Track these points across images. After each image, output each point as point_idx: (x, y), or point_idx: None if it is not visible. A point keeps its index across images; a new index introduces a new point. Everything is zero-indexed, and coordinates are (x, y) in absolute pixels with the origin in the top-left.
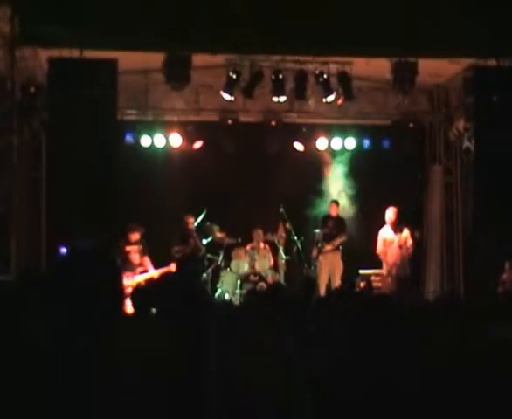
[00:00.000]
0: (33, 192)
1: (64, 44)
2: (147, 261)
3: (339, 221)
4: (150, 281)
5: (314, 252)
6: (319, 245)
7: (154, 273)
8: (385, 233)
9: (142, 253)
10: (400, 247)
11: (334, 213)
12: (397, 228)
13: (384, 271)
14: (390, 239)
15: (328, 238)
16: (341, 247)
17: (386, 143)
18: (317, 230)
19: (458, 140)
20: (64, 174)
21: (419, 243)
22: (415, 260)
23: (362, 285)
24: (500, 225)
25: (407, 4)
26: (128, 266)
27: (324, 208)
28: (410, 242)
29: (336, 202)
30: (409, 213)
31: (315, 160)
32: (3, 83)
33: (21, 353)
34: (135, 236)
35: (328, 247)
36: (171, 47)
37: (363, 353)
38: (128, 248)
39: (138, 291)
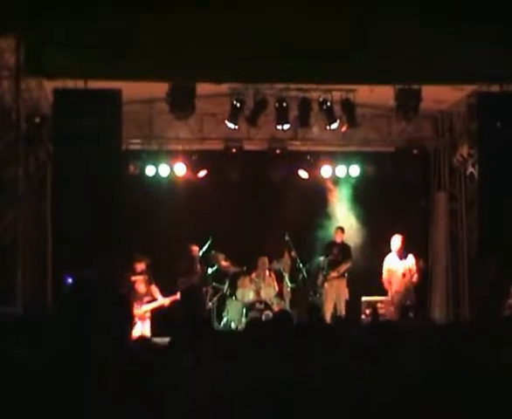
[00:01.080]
0: (39, 222)
1: (68, 75)
2: (154, 289)
3: (344, 247)
4: (161, 308)
5: (320, 279)
6: (324, 272)
7: (164, 301)
8: (390, 261)
9: (148, 282)
10: (404, 275)
11: (339, 239)
12: (402, 256)
13: (388, 298)
14: (396, 267)
15: (333, 265)
16: (346, 274)
17: (390, 170)
18: (322, 257)
19: (462, 166)
20: (69, 204)
21: (425, 272)
22: (420, 287)
23: (368, 312)
24: (504, 251)
25: (410, 32)
26: (135, 296)
27: (329, 235)
28: (415, 269)
29: (342, 229)
30: (414, 240)
31: (320, 187)
32: (9, 114)
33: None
34: (141, 266)
35: (334, 274)
36: (175, 77)
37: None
38: (133, 278)
39: None
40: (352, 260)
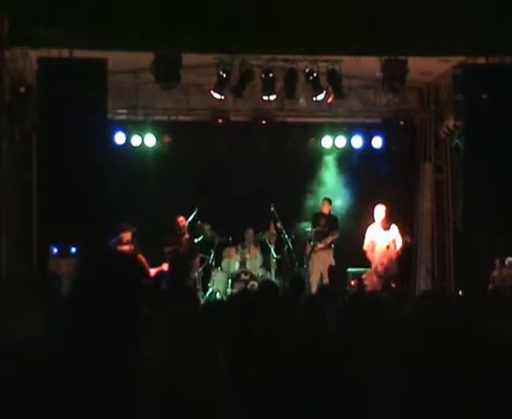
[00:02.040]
0: (24, 193)
1: (53, 45)
2: (141, 259)
3: (331, 218)
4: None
5: (308, 250)
6: (311, 243)
7: (150, 271)
8: (373, 231)
9: (135, 253)
10: (388, 247)
11: (326, 210)
12: (386, 226)
13: (371, 269)
14: (378, 238)
15: (320, 236)
16: (333, 245)
17: (376, 141)
18: (309, 229)
19: (448, 137)
20: (54, 175)
21: (409, 245)
22: (404, 259)
23: (353, 283)
24: (490, 223)
25: (396, 2)
26: None
27: (315, 206)
28: (399, 240)
29: (329, 200)
30: (399, 211)
31: (306, 159)
32: None
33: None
34: (127, 236)
35: (321, 245)
36: (161, 47)
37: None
38: (120, 248)
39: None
40: (339, 231)
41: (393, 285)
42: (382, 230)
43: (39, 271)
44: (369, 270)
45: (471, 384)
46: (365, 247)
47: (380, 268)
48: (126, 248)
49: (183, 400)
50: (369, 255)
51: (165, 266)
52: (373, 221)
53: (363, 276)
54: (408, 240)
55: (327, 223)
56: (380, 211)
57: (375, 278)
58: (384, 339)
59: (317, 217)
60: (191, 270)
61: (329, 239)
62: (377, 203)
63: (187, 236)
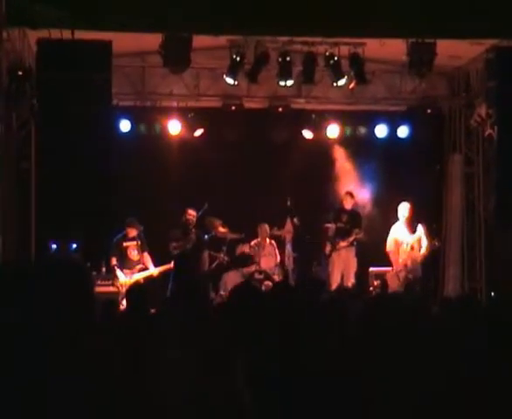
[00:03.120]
0: (22, 184)
1: (54, 25)
2: (146, 258)
3: (354, 214)
4: (150, 279)
5: (327, 248)
6: (332, 241)
7: (153, 271)
8: (397, 231)
9: (141, 250)
10: (412, 248)
11: (348, 206)
12: (411, 226)
13: (393, 271)
14: (402, 239)
15: (342, 234)
16: (355, 243)
17: (402, 131)
18: (329, 224)
19: (479, 127)
20: (55, 164)
21: (437, 248)
22: (431, 260)
23: (376, 283)
24: None
25: None
26: (127, 263)
27: (335, 200)
28: (425, 241)
29: (351, 194)
30: (425, 207)
31: (325, 149)
32: None
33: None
34: (133, 232)
35: (343, 243)
36: (170, 28)
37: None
38: (125, 244)
39: (134, 289)
40: (362, 229)
41: (417, 289)
42: (406, 229)
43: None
44: (390, 270)
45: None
46: (388, 247)
47: (403, 270)
48: (131, 244)
49: None
50: (391, 256)
51: (172, 265)
52: (396, 217)
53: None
54: (436, 244)
55: (349, 219)
56: (404, 209)
57: (396, 281)
58: (408, 342)
59: (338, 213)
60: (200, 267)
61: (352, 237)
62: (402, 198)
63: (194, 231)
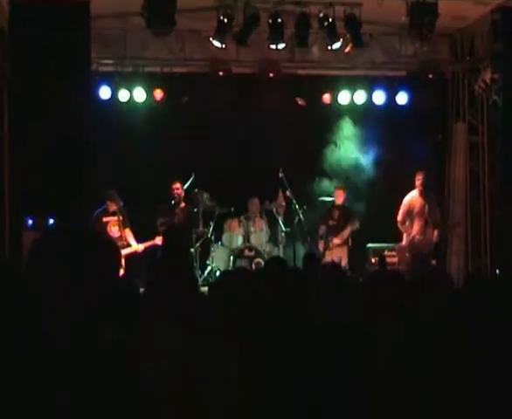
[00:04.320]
0: None
1: None
2: (128, 234)
3: (345, 210)
4: (134, 255)
5: (321, 246)
6: (325, 240)
7: (137, 247)
8: (412, 201)
9: (122, 226)
10: (426, 220)
11: (339, 200)
12: (426, 197)
13: (403, 243)
14: (416, 208)
15: (334, 230)
16: (350, 241)
17: (401, 97)
18: (322, 225)
19: (484, 93)
20: (30, 133)
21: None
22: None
23: (373, 260)
24: None
25: None
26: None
27: (330, 171)
28: (437, 214)
29: (342, 188)
30: (428, 179)
31: (320, 117)
32: None
33: None
34: (113, 206)
35: (337, 241)
36: None
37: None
38: (105, 219)
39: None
40: (355, 223)
41: (432, 263)
42: (421, 199)
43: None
44: (400, 244)
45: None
46: (400, 218)
47: (415, 243)
48: (112, 220)
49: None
50: (403, 228)
51: (158, 240)
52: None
53: (386, 252)
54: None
55: (341, 215)
56: (420, 178)
57: (407, 254)
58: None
59: (330, 210)
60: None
61: (346, 233)
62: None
63: (183, 205)
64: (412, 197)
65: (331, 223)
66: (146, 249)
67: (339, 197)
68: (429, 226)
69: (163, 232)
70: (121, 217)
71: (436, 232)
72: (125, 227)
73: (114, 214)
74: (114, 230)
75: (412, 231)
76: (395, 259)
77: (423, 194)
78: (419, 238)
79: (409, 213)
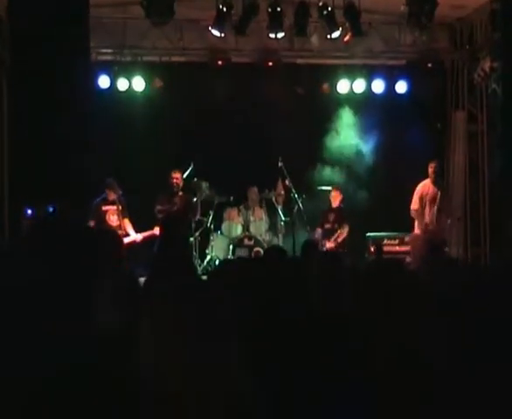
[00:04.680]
0: None
1: None
2: (127, 224)
3: (340, 212)
4: (133, 245)
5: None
6: (320, 243)
7: (136, 237)
8: (425, 189)
9: (121, 215)
10: (439, 208)
11: (335, 203)
12: (438, 185)
13: (416, 231)
14: (431, 197)
15: (328, 234)
16: (345, 244)
17: (400, 86)
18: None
19: (483, 81)
20: (29, 122)
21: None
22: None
23: (373, 249)
24: None
25: None
26: (106, 228)
27: (329, 161)
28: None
29: (339, 189)
30: (440, 168)
31: (319, 106)
32: None
33: None
34: (112, 195)
35: (330, 244)
36: None
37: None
38: (104, 207)
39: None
40: (349, 224)
41: (446, 250)
42: (434, 188)
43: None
44: (413, 232)
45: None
46: (413, 206)
47: (427, 231)
48: (111, 209)
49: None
50: (416, 217)
51: (157, 230)
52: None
53: (386, 241)
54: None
55: (336, 218)
56: (433, 166)
57: (420, 243)
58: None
59: (326, 213)
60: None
61: (340, 235)
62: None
63: (181, 194)
64: (425, 185)
65: (327, 226)
66: (144, 239)
67: (335, 199)
68: (441, 214)
69: (161, 220)
70: (120, 207)
71: (449, 220)
72: (124, 216)
73: (113, 203)
74: (113, 219)
75: (425, 219)
76: (395, 248)
77: (435, 182)
78: (433, 226)
79: (422, 201)
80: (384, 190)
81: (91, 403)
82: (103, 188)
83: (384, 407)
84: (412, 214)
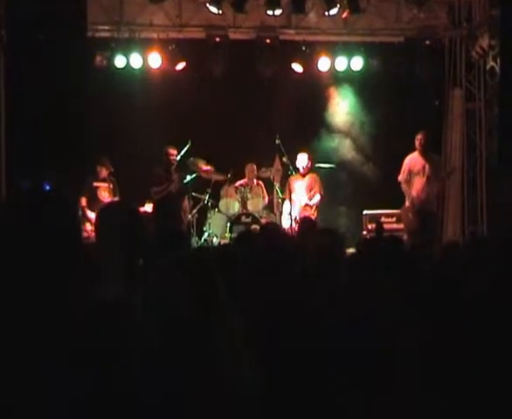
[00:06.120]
0: None
1: None
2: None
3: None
4: None
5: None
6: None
7: None
8: (411, 161)
9: (113, 193)
10: (428, 179)
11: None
12: (425, 155)
13: (406, 204)
14: (418, 169)
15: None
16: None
17: (399, 63)
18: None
19: (481, 59)
20: (26, 99)
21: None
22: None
23: (370, 227)
24: None
25: None
26: (98, 205)
27: (327, 138)
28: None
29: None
30: (428, 140)
31: (316, 83)
32: None
33: None
34: (103, 172)
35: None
36: None
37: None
38: (96, 184)
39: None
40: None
41: (431, 225)
42: (421, 159)
43: None
44: (404, 206)
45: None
46: (401, 178)
47: (417, 203)
48: (102, 186)
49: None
50: (404, 189)
51: (148, 207)
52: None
53: (383, 219)
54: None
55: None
56: (419, 138)
57: (410, 215)
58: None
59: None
60: (182, 211)
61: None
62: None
63: (176, 171)
64: (412, 157)
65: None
66: None
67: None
68: (429, 184)
69: (157, 201)
70: (111, 185)
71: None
72: (115, 195)
73: (104, 180)
74: (104, 195)
75: (413, 191)
76: (393, 225)
77: (422, 153)
78: (421, 197)
79: (409, 173)
80: (379, 169)
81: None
82: (95, 164)
83: None
84: (402, 188)
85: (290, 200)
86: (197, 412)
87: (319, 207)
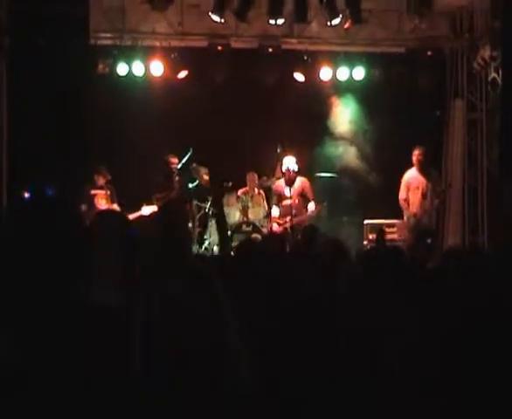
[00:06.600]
0: None
1: None
2: (116, 209)
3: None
4: None
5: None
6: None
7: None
8: (410, 177)
9: (110, 200)
10: (424, 195)
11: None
12: (424, 172)
13: (404, 220)
14: (415, 185)
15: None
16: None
17: (400, 74)
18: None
19: (483, 70)
20: (27, 107)
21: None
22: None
23: (371, 237)
24: None
25: None
26: (95, 212)
27: (328, 147)
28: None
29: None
30: (426, 155)
31: (318, 92)
32: None
33: None
34: (100, 180)
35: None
36: None
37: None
38: (93, 191)
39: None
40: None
41: (428, 241)
42: (419, 175)
43: None
44: (401, 221)
45: None
46: (401, 196)
47: (414, 220)
48: (100, 193)
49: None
50: (403, 206)
51: (145, 210)
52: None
53: (386, 228)
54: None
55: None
56: (417, 154)
57: (406, 232)
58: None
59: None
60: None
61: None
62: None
63: (177, 179)
64: (410, 174)
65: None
66: (133, 220)
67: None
68: (427, 199)
69: (160, 207)
70: (108, 192)
71: (435, 201)
72: (113, 202)
73: (101, 188)
74: (101, 203)
75: (410, 207)
76: (394, 235)
77: (420, 169)
78: (418, 213)
79: (407, 189)
80: (381, 179)
81: None
82: (92, 171)
83: None
84: (401, 203)
85: (279, 205)
86: (197, 412)
87: (321, 215)
